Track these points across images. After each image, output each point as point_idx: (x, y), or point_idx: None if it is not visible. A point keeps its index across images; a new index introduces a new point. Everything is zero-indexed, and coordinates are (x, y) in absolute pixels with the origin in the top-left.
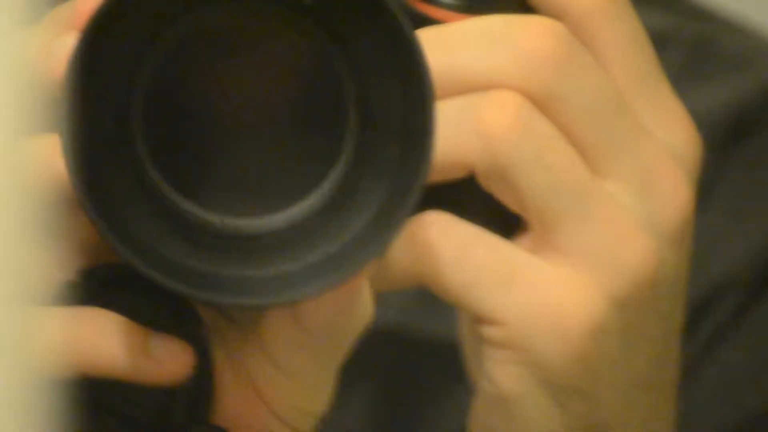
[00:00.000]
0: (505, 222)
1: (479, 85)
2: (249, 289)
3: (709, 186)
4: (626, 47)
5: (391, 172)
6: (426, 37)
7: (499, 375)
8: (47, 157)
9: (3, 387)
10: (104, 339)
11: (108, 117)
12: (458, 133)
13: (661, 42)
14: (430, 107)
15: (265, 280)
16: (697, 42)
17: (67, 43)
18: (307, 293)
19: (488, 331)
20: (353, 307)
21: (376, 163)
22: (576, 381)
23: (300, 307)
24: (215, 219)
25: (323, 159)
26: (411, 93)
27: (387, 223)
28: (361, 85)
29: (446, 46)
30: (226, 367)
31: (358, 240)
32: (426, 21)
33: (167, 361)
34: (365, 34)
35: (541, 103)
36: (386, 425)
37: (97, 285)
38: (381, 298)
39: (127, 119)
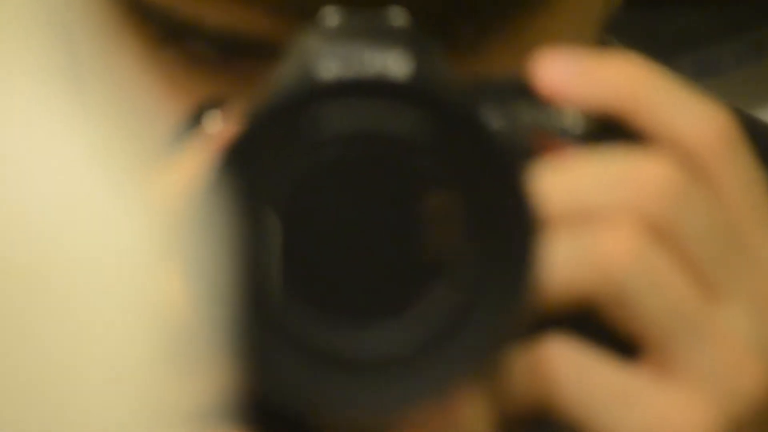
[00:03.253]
0: (621, 348)
1: (598, 218)
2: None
3: None
4: (741, 182)
5: (496, 296)
6: (546, 170)
7: None
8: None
9: None
10: None
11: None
12: (577, 265)
13: None
14: (533, 231)
15: (371, 398)
16: None
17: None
18: (401, 406)
19: None
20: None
21: (485, 289)
22: None
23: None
24: (329, 341)
25: (428, 284)
26: (517, 219)
27: (488, 341)
28: (469, 213)
29: (565, 179)
30: None
31: (461, 358)
32: (545, 155)
33: None
34: (474, 164)
35: (658, 231)
36: None
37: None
38: None
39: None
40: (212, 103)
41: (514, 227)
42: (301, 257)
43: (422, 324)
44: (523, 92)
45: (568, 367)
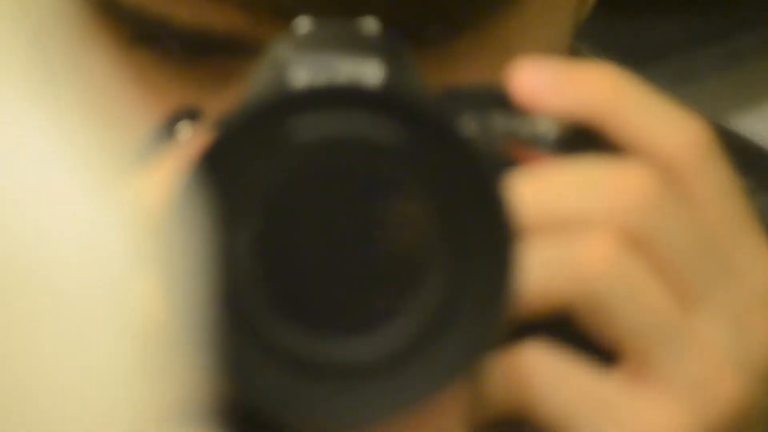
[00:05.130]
0: (599, 356)
1: (576, 226)
2: (329, 413)
3: None
4: (717, 192)
5: (475, 304)
6: (522, 179)
7: None
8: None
9: None
10: None
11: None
12: (555, 272)
13: None
14: (511, 239)
15: (351, 405)
16: None
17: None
18: (385, 414)
19: None
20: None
21: (462, 297)
22: None
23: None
24: (305, 349)
25: (407, 293)
26: (494, 226)
27: (469, 352)
28: (446, 221)
29: (542, 187)
30: None
31: (440, 367)
32: (521, 164)
33: None
34: (449, 172)
35: (636, 241)
36: None
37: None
38: None
39: (231, 253)
40: (187, 111)
41: (491, 235)
42: (277, 264)
43: (402, 332)
44: (498, 101)
45: (545, 373)
